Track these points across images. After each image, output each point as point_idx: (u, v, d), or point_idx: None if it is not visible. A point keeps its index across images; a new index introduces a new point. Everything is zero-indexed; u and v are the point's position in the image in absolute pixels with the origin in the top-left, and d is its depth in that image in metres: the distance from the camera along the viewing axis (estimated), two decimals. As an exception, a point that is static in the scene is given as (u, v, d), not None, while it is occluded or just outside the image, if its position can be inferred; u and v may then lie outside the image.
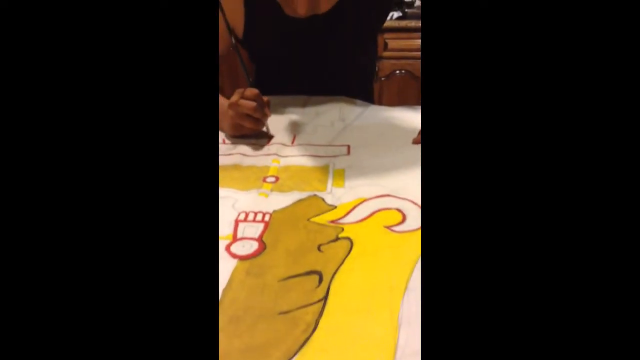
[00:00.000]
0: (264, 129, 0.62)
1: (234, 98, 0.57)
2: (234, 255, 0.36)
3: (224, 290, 0.32)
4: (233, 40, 0.59)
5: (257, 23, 0.66)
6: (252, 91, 0.58)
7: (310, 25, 0.64)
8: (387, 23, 1.47)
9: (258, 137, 0.61)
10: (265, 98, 0.60)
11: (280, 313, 0.30)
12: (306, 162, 0.54)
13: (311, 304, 0.31)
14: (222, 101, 0.61)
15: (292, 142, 0.60)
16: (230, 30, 0.57)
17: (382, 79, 1.64)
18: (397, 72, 1.63)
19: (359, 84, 0.83)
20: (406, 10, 1.60)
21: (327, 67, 0.74)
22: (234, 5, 0.65)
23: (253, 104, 0.57)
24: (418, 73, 1.60)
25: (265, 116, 0.59)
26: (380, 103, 1.65)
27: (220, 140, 0.61)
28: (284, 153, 0.56)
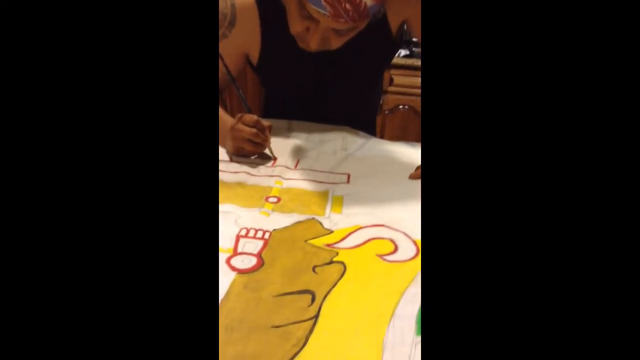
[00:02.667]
0: (267, 152, 0.65)
1: (234, 122, 0.61)
2: (233, 269, 0.38)
3: (222, 300, 0.34)
4: (228, 75, 0.63)
5: (271, 52, 0.70)
6: (250, 117, 0.62)
7: (321, 59, 0.68)
8: (394, 60, 1.54)
9: (262, 158, 0.64)
10: (266, 123, 0.63)
11: (273, 327, 0.32)
12: (307, 186, 0.57)
13: (303, 321, 0.33)
14: (227, 120, 0.64)
15: (295, 166, 0.63)
16: (225, 65, 0.62)
17: (386, 112, 1.70)
18: (401, 107, 1.69)
19: (363, 117, 0.87)
20: (413, 49, 1.68)
21: (334, 97, 0.78)
22: (251, 34, 0.69)
23: (252, 130, 0.60)
24: (420, 109, 1.66)
25: (266, 141, 0.62)
26: (382, 135, 1.70)
27: (227, 159, 0.64)
28: (286, 176, 0.59)
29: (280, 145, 0.68)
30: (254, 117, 0.61)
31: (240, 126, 0.61)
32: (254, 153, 0.63)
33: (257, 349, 0.30)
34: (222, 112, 0.68)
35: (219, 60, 0.62)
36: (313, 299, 0.35)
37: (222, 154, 0.65)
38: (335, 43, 0.58)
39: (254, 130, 0.60)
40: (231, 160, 0.63)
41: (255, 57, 0.72)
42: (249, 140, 0.61)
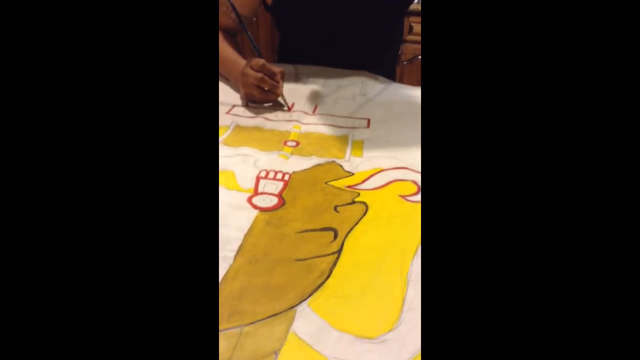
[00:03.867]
0: (280, 100, 0.62)
1: (244, 67, 0.59)
2: (254, 207, 0.38)
3: (245, 235, 0.34)
4: (237, 17, 0.60)
5: None
6: (257, 62, 0.58)
7: None
8: (414, 6, 1.45)
9: (276, 106, 0.62)
10: (278, 69, 0.60)
11: (297, 260, 0.32)
12: (326, 130, 0.55)
13: (326, 255, 0.33)
14: (241, 64, 0.61)
15: (313, 112, 0.61)
16: (232, 4, 0.58)
17: (404, 62, 1.63)
18: (420, 56, 1.61)
19: (383, 63, 0.83)
20: (435, -6, 1.57)
21: (352, 41, 0.74)
22: None
23: (258, 75, 0.57)
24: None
25: (276, 87, 0.59)
26: (398, 87, 1.63)
27: (244, 104, 0.62)
28: (305, 120, 0.58)
29: (297, 91, 0.66)
30: (260, 61, 0.58)
31: (248, 71, 0.58)
32: (264, 100, 0.61)
33: (282, 279, 0.30)
34: (235, 56, 0.66)
35: (228, 1, 0.58)
36: (335, 236, 0.35)
37: (238, 98, 0.63)
38: None
39: (260, 75, 0.57)
40: (246, 105, 0.62)
41: (270, -5, 0.68)
42: (257, 87, 0.58)
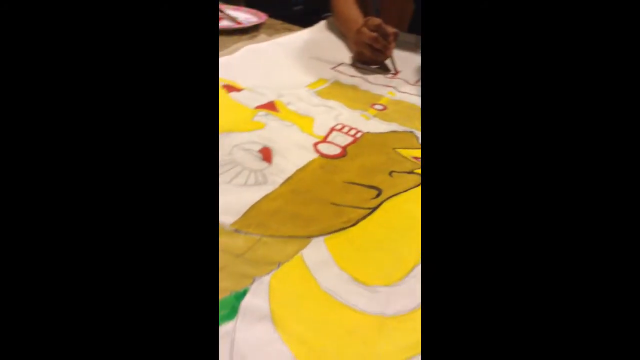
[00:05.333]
0: (389, 63, 0.62)
1: (360, 25, 0.60)
2: (317, 151, 0.42)
3: (297, 170, 0.38)
4: None
5: None
6: (373, 21, 0.59)
7: None
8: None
9: (383, 69, 0.63)
10: (392, 30, 0.60)
11: (333, 204, 0.35)
12: (419, 102, 0.54)
13: (361, 208, 0.35)
14: (359, 23, 0.63)
15: (415, 82, 0.60)
16: None
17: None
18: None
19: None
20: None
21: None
22: None
23: (373, 34, 0.58)
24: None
25: (388, 48, 0.60)
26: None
27: (353, 63, 0.64)
28: (402, 89, 0.57)
29: (409, 60, 0.65)
30: (377, 20, 0.59)
31: (364, 29, 0.60)
32: (373, 61, 0.62)
33: (311, 214, 0.33)
34: (357, 15, 0.68)
35: None
36: (378, 195, 0.36)
37: (346, 57, 0.66)
38: None
39: (374, 34, 0.59)
40: (353, 65, 0.64)
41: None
42: (369, 46, 0.60)
